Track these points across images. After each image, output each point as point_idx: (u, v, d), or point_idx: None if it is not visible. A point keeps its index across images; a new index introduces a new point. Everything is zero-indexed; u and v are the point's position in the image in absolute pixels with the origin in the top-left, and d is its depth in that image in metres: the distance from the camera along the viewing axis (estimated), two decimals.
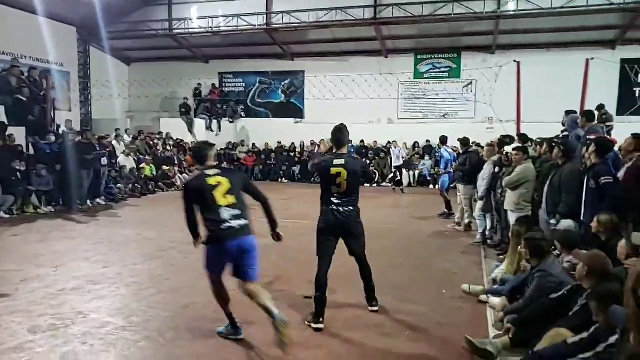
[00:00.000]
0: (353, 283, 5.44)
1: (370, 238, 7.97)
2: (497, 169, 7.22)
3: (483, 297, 4.86)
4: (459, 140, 9.09)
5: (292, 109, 20.01)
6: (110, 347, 3.74)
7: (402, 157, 15.50)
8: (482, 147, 9.32)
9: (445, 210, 10.16)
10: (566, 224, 5.00)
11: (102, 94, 19.16)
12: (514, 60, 17.24)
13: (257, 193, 4.02)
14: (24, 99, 11.95)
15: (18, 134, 11.29)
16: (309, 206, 10.89)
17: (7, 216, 9.68)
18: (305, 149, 18.60)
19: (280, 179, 18.16)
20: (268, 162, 18.65)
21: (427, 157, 17.04)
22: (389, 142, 17.36)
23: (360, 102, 18.48)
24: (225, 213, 3.68)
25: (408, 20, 16.35)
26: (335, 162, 4.39)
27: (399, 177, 15.54)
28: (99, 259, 6.49)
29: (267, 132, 19.19)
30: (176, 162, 16.20)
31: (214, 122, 19.41)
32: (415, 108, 18.70)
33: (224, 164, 18.01)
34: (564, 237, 4.48)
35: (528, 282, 4.18)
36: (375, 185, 16.76)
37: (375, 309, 4.56)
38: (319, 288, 4.29)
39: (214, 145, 4.14)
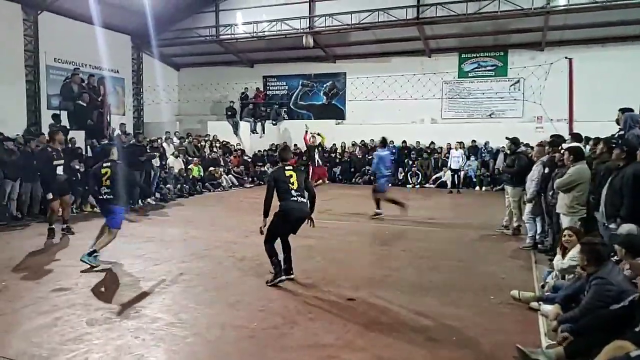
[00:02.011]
0: (396, 285, 5.44)
1: (413, 240, 7.96)
2: (547, 170, 6.97)
3: (534, 304, 4.68)
4: (507, 139, 8.81)
5: (334, 111, 20.10)
6: (160, 342, 3.89)
7: (460, 161, 15.22)
8: (532, 148, 9.02)
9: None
10: (627, 228, 4.68)
11: (154, 98, 19.92)
12: (566, 57, 16.50)
13: (309, 187, 5.80)
14: (84, 105, 12.61)
15: (78, 137, 11.99)
16: (349, 207, 10.99)
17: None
18: (346, 150, 18.63)
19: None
20: (308, 163, 18.78)
21: (472, 158, 16.66)
22: (449, 144, 16.88)
23: (402, 103, 18.33)
24: (294, 194, 5.47)
25: (452, 19, 16.08)
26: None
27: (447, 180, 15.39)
28: (150, 256, 6.76)
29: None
30: (222, 163, 16.60)
31: (258, 124, 19.76)
32: (460, 108, 18.34)
33: (267, 165, 18.38)
34: (628, 242, 4.18)
35: (584, 289, 3.99)
36: (418, 186, 16.61)
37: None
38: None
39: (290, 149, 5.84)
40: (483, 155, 16.75)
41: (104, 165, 6.49)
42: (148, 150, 12.13)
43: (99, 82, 13.73)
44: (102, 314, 4.47)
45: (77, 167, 10.89)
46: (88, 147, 11.99)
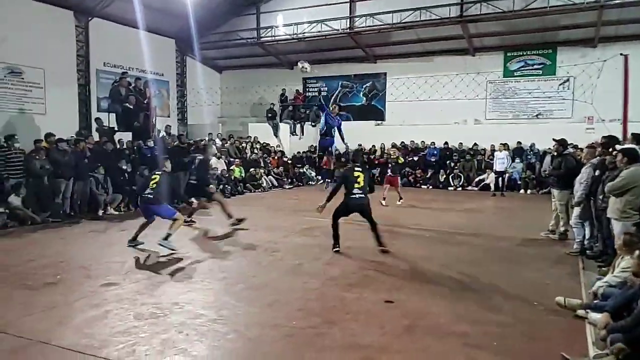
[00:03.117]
0: (436, 289, 5.38)
1: (454, 244, 7.84)
2: (597, 173, 6.68)
3: (581, 312, 4.49)
4: (555, 140, 8.50)
5: (373, 112, 19.98)
6: (202, 338, 4.01)
7: (505, 163, 14.77)
8: (580, 149, 8.67)
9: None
10: None
11: (197, 100, 20.46)
12: (621, 54, 15.80)
13: (372, 186, 7.25)
14: (131, 107, 13.12)
15: (126, 138, 12.51)
16: (384, 209, 10.90)
17: (116, 213, 10.68)
18: (385, 152, 18.45)
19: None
20: (348, 164, 18.74)
21: (517, 160, 16.19)
22: (492, 146, 16.42)
23: (444, 103, 18.03)
24: (356, 192, 6.83)
25: (497, 16, 15.67)
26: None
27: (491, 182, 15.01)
28: (193, 254, 6.96)
29: (347, 135, 19.16)
30: (262, 164, 16.85)
31: (298, 126, 19.93)
32: (505, 108, 17.84)
33: (306, 167, 18.51)
34: None
35: (637, 298, 3.83)
36: (460, 189, 16.31)
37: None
38: None
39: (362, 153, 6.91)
40: (529, 157, 16.25)
41: (156, 173, 7.39)
42: (192, 152, 12.46)
43: (145, 85, 14.23)
44: (148, 309, 4.64)
45: (125, 167, 11.35)
46: (135, 148, 12.44)
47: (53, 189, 9.82)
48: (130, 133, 12.92)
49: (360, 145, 18.73)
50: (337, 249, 7.03)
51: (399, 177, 13.33)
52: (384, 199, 11.83)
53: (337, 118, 10.35)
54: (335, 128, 10.29)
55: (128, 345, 3.81)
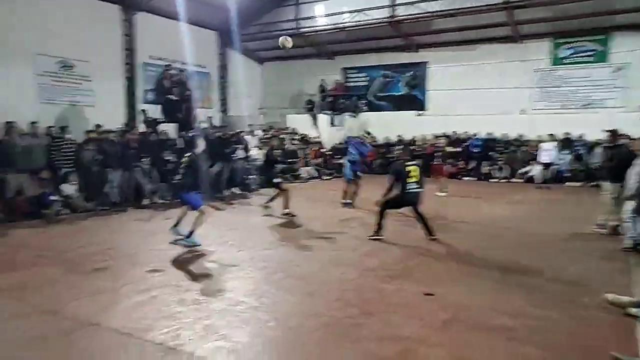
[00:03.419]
0: (478, 283, 5.29)
1: (496, 237, 7.66)
2: None
3: (632, 310, 4.32)
4: (607, 131, 8.09)
5: (414, 102, 19.62)
6: (243, 325, 4.10)
7: (552, 155, 14.28)
8: (634, 140, 8.24)
9: (343, 200, 10.44)
10: None
11: (238, 92, 20.72)
12: None
13: (423, 179, 7.23)
14: (174, 99, 13.46)
15: (171, 129, 12.87)
16: (425, 201, 10.72)
17: (161, 201, 11.02)
18: (426, 142, 18.11)
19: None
20: (387, 155, 18.53)
21: (565, 151, 15.53)
22: (538, 138, 15.91)
23: (488, 92, 17.49)
24: (412, 185, 6.95)
25: (545, 1, 15.00)
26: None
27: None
28: (235, 243, 7.11)
29: (388, 126, 19.11)
30: (301, 155, 16.93)
31: (337, 117, 19.88)
32: (552, 97, 17.09)
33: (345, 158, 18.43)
34: None
35: None
36: (504, 181, 15.88)
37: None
38: None
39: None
40: (577, 148, 15.58)
41: (185, 156, 7.16)
42: (233, 143, 12.69)
43: (188, 77, 14.55)
44: (191, 295, 4.79)
45: (169, 158, 11.68)
46: (178, 139, 12.77)
47: (101, 178, 10.24)
48: (174, 124, 13.26)
49: (399, 136, 18.62)
50: (379, 237, 7.12)
51: (444, 167, 13.33)
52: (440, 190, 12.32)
53: (368, 145, 10.71)
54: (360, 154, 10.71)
55: (172, 330, 3.94)
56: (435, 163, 12.83)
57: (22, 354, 3.55)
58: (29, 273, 5.52)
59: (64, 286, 5.09)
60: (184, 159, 7.11)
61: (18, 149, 8.78)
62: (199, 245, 6.76)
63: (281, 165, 9.72)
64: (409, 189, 6.95)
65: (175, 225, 7.08)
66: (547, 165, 14.37)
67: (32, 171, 9.35)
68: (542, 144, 14.54)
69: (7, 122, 9.07)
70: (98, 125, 11.06)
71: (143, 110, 14.09)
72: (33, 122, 10.20)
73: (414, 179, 6.97)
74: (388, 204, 7.12)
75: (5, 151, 8.61)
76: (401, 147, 7.67)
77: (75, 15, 14.10)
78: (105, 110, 14.36)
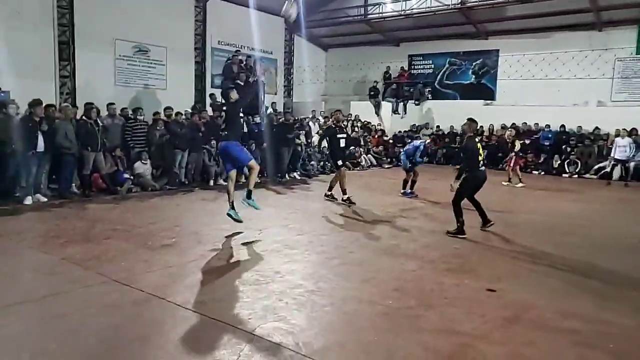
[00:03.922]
0: (543, 282, 5.06)
1: (566, 236, 7.28)
2: None
3: None
4: None
5: (483, 90, 18.94)
6: (301, 307, 4.17)
7: (628, 150, 13.38)
8: None
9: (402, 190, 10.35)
10: None
11: (303, 78, 20.91)
12: None
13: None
14: (242, 84, 13.77)
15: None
16: (493, 194, 10.41)
17: (225, 183, 11.33)
18: (494, 133, 17.42)
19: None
20: (452, 145, 18.02)
21: None
22: (617, 131, 14.94)
23: (563, 82, 16.55)
24: (481, 162, 6.94)
25: None
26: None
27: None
28: (294, 227, 7.24)
29: (453, 115, 18.52)
30: (362, 143, 16.85)
31: (400, 104, 19.55)
32: (636, 88, 15.91)
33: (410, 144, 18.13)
34: None
35: None
36: (576, 176, 15.03)
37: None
38: None
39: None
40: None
41: (223, 109, 7.32)
42: (296, 128, 12.85)
43: (255, 63, 14.82)
44: (252, 275, 4.93)
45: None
46: (244, 123, 13.08)
47: (171, 159, 10.72)
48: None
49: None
50: (462, 235, 6.75)
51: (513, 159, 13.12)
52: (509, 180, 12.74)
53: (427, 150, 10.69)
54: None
55: (232, 308, 4.08)
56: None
57: (97, 319, 3.82)
58: (103, 246, 5.90)
59: (135, 259, 5.40)
60: (222, 112, 7.21)
61: (95, 129, 9.35)
62: (259, 209, 7.01)
63: (344, 138, 9.57)
64: (481, 168, 6.93)
65: (249, 195, 6.89)
66: (622, 162, 13.42)
67: (108, 150, 9.95)
68: (617, 139, 13.64)
69: (87, 103, 9.68)
70: (168, 108, 11.54)
71: (211, 95, 14.55)
72: (110, 104, 10.82)
73: (482, 157, 6.95)
74: (463, 194, 6.88)
75: (84, 130, 9.20)
76: (467, 122, 7.24)
77: (151, 2, 14.74)
78: (176, 93, 15.00)
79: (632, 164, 14.01)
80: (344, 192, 9.32)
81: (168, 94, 14.87)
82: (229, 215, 6.83)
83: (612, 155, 13.95)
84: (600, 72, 16.08)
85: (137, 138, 10.65)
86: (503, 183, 12.49)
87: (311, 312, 4.08)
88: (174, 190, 10.31)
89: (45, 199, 8.64)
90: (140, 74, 15.00)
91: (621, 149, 13.29)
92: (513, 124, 17.09)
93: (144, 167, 10.30)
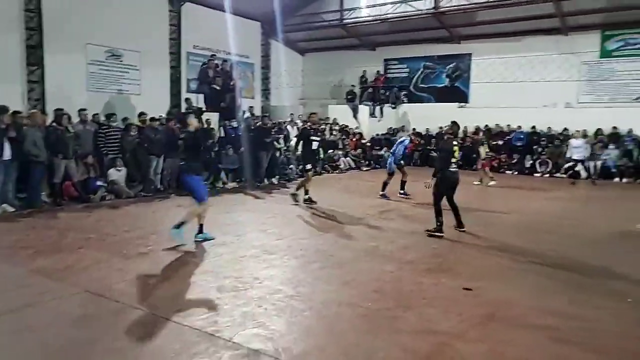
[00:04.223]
0: (519, 280, 5.15)
1: (539, 233, 7.43)
2: None
3: None
4: None
5: (456, 94, 19.25)
6: (280, 313, 4.15)
7: (584, 151, 13.69)
8: None
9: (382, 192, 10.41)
10: None
11: (280, 82, 20.88)
12: None
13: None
14: (218, 88, 13.69)
15: (213, 118, 13.10)
16: (467, 194, 10.57)
17: None
18: (468, 135, 17.70)
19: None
20: (428, 147, 18.24)
21: (612, 146, 14.89)
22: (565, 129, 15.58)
23: (532, 85, 16.90)
24: (453, 164, 7.01)
25: None
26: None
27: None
28: (273, 231, 7.19)
29: (428, 118, 18.78)
30: (341, 146, 16.91)
31: (377, 108, 19.71)
32: (600, 91, 16.42)
33: (384, 149, 18.29)
34: None
35: None
36: (547, 175, 15.39)
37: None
38: None
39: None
40: (625, 143, 14.89)
41: (183, 130, 6.90)
42: (274, 132, 12.82)
43: (231, 67, 14.75)
44: (230, 282, 4.88)
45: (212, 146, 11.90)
46: (221, 128, 12.99)
47: (146, 165, 10.54)
48: (217, 113, 13.49)
49: (441, 127, 18.24)
50: (439, 234, 6.88)
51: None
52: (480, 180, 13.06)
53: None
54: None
55: (211, 316, 4.02)
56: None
57: (69, 332, 3.71)
58: (76, 256, 5.75)
59: (110, 269, 5.28)
60: (183, 135, 6.53)
61: (66, 135, 9.14)
62: (213, 239, 6.44)
63: (317, 141, 9.78)
64: (451, 168, 6.98)
65: (179, 226, 6.22)
66: (580, 162, 13.78)
67: (80, 157, 9.73)
68: (571, 140, 14.07)
69: (57, 109, 9.45)
70: (142, 113, 11.35)
71: (187, 99, 14.40)
72: (81, 110, 10.59)
73: (455, 160, 7.07)
74: (440, 196, 7.01)
75: (54, 137, 8.97)
76: (450, 124, 7.43)
77: (124, 6, 14.52)
78: (150, 98, 14.78)
79: (599, 163, 14.50)
80: (306, 193, 9.58)
81: (142, 99, 14.65)
82: (196, 240, 6.39)
83: (567, 155, 14.36)
84: (567, 75, 16.50)
85: (110, 144, 10.44)
86: (474, 183, 12.70)
87: (290, 317, 4.06)
88: (150, 197, 10.14)
89: (13, 209, 8.37)
90: (114, 79, 14.75)
91: (577, 149, 13.61)
92: (486, 125, 17.42)
93: (118, 174, 10.10)
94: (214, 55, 15.35)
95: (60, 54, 13.03)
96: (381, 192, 10.43)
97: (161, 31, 16.02)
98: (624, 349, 3.60)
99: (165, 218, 8.22)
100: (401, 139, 10.84)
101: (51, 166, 9.01)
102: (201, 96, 14.21)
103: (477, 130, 16.69)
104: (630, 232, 7.55)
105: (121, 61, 14.85)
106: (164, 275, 5.10)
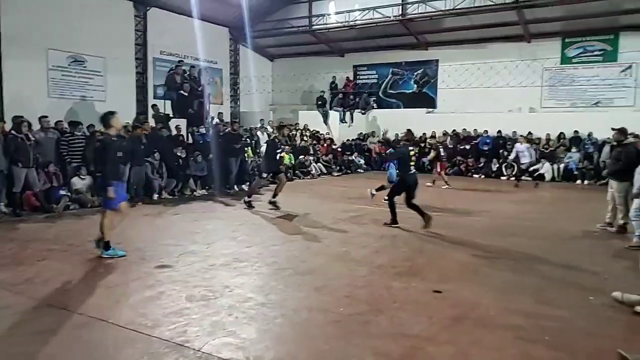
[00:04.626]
0: (487, 281, 5.25)
1: (505, 235, 7.59)
2: None
3: (639, 308, 4.31)
4: (614, 130, 8.03)
5: (424, 99, 19.62)
6: (251, 321, 4.09)
7: (528, 155, 13.74)
8: None
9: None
10: None
11: (249, 88, 20.79)
12: None
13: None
14: (185, 94, 13.52)
15: (181, 125, 12.93)
16: (434, 196, 10.75)
17: (170, 197, 11.09)
18: (436, 140, 18.08)
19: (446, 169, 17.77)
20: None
21: (574, 149, 15.47)
22: (548, 135, 16.28)
23: (498, 91, 17.42)
24: (412, 167, 7.72)
25: (555, 1, 14.97)
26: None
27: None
28: (243, 239, 7.12)
29: (397, 123, 19.00)
30: (312, 151, 16.93)
31: (347, 113, 19.85)
32: (562, 96, 17.07)
33: (355, 154, 18.43)
34: None
35: None
36: (513, 178, 15.79)
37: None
38: None
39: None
40: (586, 146, 15.48)
41: (97, 139, 6.50)
42: (244, 138, 12.72)
43: (199, 73, 14.61)
44: (200, 291, 4.79)
45: (179, 154, 11.73)
46: (189, 134, 12.83)
47: None
48: (185, 120, 13.32)
49: (397, 134, 18.44)
50: (395, 224, 7.74)
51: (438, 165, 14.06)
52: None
53: None
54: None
55: (180, 326, 3.93)
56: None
57: (28, 347, 3.56)
58: (37, 268, 5.54)
59: (73, 280, 5.12)
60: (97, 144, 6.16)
61: (26, 143, 8.81)
62: (124, 256, 5.97)
63: (280, 150, 10.16)
64: (410, 171, 7.72)
65: (98, 241, 5.99)
66: (526, 166, 14.03)
67: (41, 166, 9.40)
68: (516, 145, 14.14)
69: (16, 117, 9.10)
70: None
71: (153, 106, 14.17)
72: (42, 117, 10.23)
73: (413, 163, 7.78)
74: (394, 193, 7.79)
75: (13, 146, 8.63)
76: (405, 131, 8.40)
77: (87, 10, 14.22)
78: (116, 105, 14.33)
79: (562, 165, 15.09)
80: (274, 196, 9.81)
81: (108, 106, 14.13)
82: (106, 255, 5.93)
83: (510, 158, 14.68)
84: (530, 81, 17.06)
85: (73, 152, 10.15)
86: (427, 184, 12.67)
87: (262, 325, 4.02)
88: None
89: None
90: (77, 85, 14.38)
91: (521, 154, 13.84)
92: (454, 130, 17.79)
93: (82, 183, 9.80)
94: (182, 61, 15.19)
95: (20, 60, 12.63)
96: (373, 191, 10.03)
97: (126, 36, 15.74)
98: (590, 347, 3.70)
99: (132, 227, 8.02)
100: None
101: (10, 176, 8.67)
102: (168, 102, 14.00)
103: (432, 136, 17.17)
104: (591, 233, 7.80)
105: (85, 67, 14.50)
106: (130, 286, 4.96)
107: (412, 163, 7.77)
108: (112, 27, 14.97)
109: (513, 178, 14.59)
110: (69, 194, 9.54)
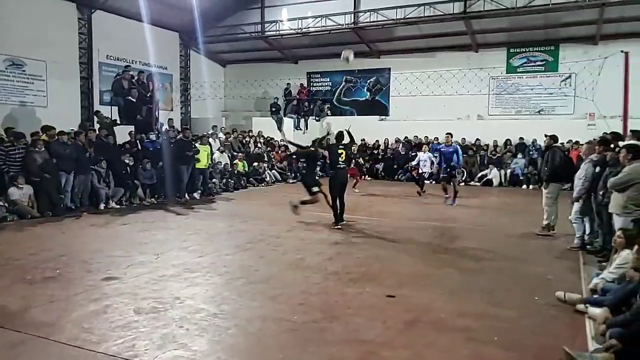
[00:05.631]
0: (439, 284, 5.36)
1: (455, 238, 7.80)
2: (597, 169, 6.67)
3: (580, 307, 4.51)
4: (546, 136, 8.47)
5: (377, 107, 19.94)
6: (203, 332, 3.98)
7: (429, 165, 13.63)
8: (581, 145, 8.65)
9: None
10: None
11: (200, 94, 20.42)
12: (622, 51, 15.74)
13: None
14: (133, 100, 13.08)
15: (128, 132, 12.48)
16: (389, 204, 10.91)
17: (118, 206, 10.66)
18: (389, 147, 18.42)
19: (362, 176, 18.08)
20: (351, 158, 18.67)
21: (519, 155, 16.18)
22: (495, 142, 17.06)
23: (448, 99, 17.94)
24: (340, 162, 8.60)
25: (500, 13, 15.64)
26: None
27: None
28: (195, 248, 6.94)
29: (352, 130, 19.19)
30: (266, 158, 16.80)
31: (302, 120, 19.87)
32: (508, 104, 17.83)
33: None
34: None
35: (637, 292, 3.84)
36: (462, 184, 16.26)
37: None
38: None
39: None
40: (531, 152, 16.22)
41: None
42: (195, 146, 12.42)
43: (148, 79, 14.18)
44: (149, 303, 4.62)
45: (127, 161, 11.32)
46: (137, 141, 12.41)
47: (54, 182, 9.74)
48: (133, 126, 12.88)
49: (363, 140, 18.74)
50: (339, 226, 8.25)
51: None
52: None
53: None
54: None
55: (128, 340, 3.78)
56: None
57: None
58: None
59: (11, 296, 4.81)
60: None
61: None
62: None
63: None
64: (339, 165, 8.65)
65: None
66: (427, 174, 14.08)
67: None
68: (419, 154, 14.11)
69: None
70: (48, 127, 10.46)
71: (97, 112, 13.62)
72: None
73: (342, 159, 8.68)
74: (334, 190, 8.51)
75: None
76: (336, 133, 9.23)
77: (28, 11, 13.54)
78: (58, 111, 13.84)
79: (503, 171, 15.80)
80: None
81: (50, 112, 13.69)
82: None
83: (412, 164, 14.52)
84: (478, 89, 17.71)
85: (12, 161, 9.56)
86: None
87: (214, 337, 3.91)
88: (59, 217, 9.39)
89: None
90: (15, 90, 13.64)
91: (422, 162, 13.77)
92: (405, 137, 18.17)
93: (19, 193, 9.23)
94: (129, 65, 14.73)
95: None
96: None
97: (69, 40, 15.11)
98: (537, 345, 3.84)
99: (77, 239, 7.70)
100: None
101: None
102: (115, 108, 13.50)
103: (398, 141, 17.43)
104: (534, 235, 8.10)
105: (24, 71, 13.79)
106: (74, 300, 4.72)
107: (341, 159, 8.68)
108: (53, 30, 14.33)
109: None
110: (5, 205, 8.98)
